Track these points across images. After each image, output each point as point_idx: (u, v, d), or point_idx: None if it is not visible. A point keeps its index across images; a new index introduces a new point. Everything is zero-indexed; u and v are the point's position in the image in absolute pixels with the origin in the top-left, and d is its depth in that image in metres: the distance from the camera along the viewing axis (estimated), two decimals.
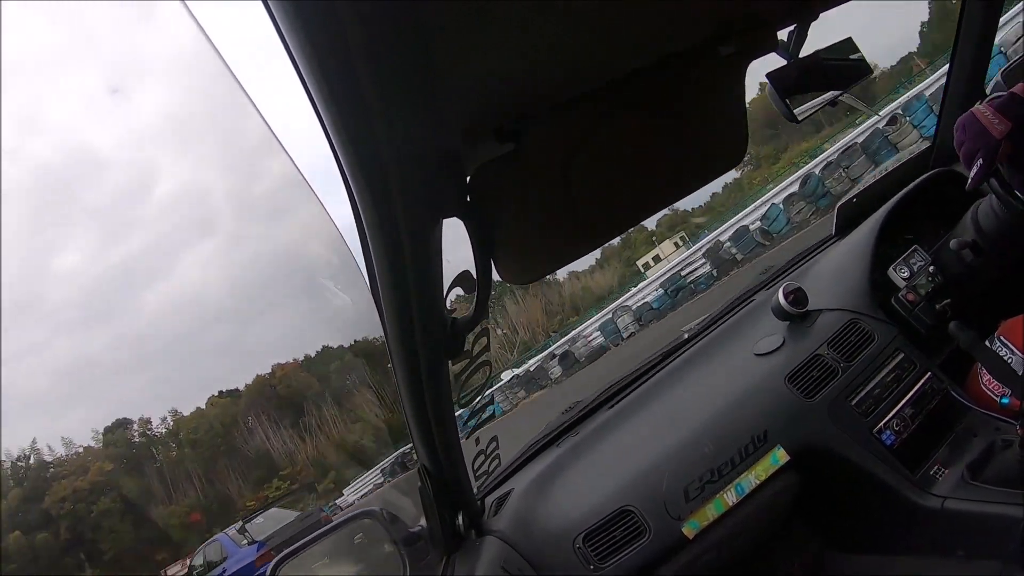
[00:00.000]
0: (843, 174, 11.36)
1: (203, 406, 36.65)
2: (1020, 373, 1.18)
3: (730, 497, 1.21)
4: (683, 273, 14.47)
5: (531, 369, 17.25)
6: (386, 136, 0.54)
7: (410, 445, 1.14)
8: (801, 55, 1.08)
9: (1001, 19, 1.63)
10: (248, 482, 33.50)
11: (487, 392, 1.04)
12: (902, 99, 11.22)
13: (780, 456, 1.24)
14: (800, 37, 1.07)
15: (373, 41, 0.46)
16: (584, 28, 0.65)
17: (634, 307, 15.43)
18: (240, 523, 11.26)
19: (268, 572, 1.20)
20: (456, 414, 1.03)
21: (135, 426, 36.05)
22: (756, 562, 1.36)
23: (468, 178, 0.73)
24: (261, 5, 0.45)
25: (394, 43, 0.47)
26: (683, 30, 0.81)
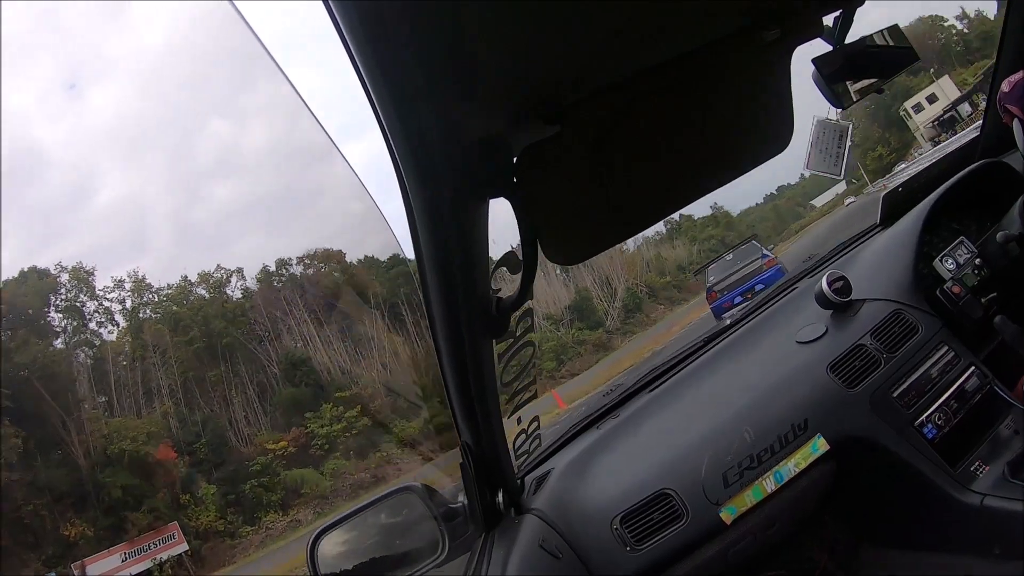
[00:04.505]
0: None
1: None
2: None
3: (769, 484, 1.21)
4: None
5: None
6: (433, 116, 0.57)
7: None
8: (847, 41, 1.08)
9: None
10: None
11: (529, 372, 1.06)
12: None
13: (820, 445, 1.24)
14: (846, 23, 1.06)
15: (416, 21, 0.48)
16: (628, 13, 0.66)
17: None
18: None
19: (307, 546, 1.23)
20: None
21: None
22: (788, 551, 1.36)
23: (515, 159, 0.74)
24: None
25: (437, 24, 0.50)
26: (727, 15, 0.81)
